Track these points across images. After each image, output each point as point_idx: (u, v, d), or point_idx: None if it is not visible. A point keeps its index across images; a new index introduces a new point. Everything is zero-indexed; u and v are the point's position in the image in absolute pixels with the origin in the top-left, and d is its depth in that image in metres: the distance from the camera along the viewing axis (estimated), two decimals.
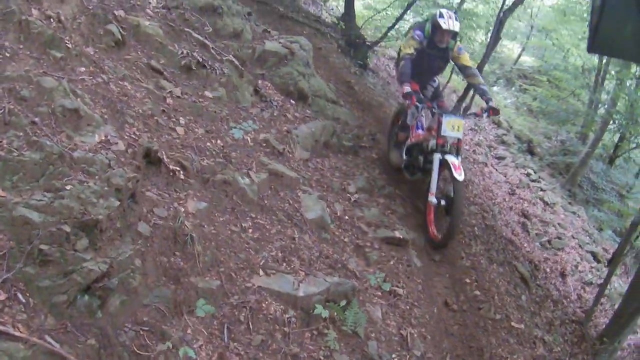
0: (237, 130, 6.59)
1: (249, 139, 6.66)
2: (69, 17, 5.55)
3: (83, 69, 5.30)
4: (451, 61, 7.99)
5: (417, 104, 7.30)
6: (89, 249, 3.59)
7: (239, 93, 7.43)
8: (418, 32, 7.62)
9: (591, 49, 1.75)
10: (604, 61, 16.75)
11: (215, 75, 7.24)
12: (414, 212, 7.85)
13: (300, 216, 6.08)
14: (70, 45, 5.24)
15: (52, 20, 5.22)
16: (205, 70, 7.14)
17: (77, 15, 5.69)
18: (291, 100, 8.40)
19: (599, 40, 1.71)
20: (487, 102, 7.42)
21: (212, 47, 7.67)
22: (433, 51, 7.72)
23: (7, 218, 3.37)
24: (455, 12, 7.85)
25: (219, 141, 6.22)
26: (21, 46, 4.74)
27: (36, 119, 4.10)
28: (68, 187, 3.73)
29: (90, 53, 5.61)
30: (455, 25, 7.39)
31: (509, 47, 27.89)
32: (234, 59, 7.80)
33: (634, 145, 16.40)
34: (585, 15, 19.21)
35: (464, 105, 13.26)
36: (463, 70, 7.86)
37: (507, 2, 12.96)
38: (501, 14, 12.52)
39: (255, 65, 8.53)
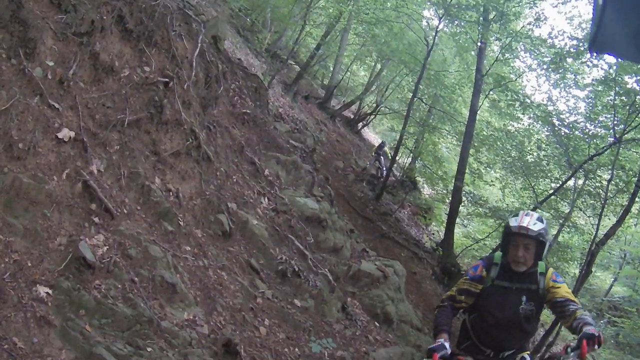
0: (315, 345, 6.52)
1: (325, 353, 6.50)
2: (187, 196, 5.91)
3: (188, 248, 5.54)
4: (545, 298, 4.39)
5: None
6: None
7: (326, 307, 7.40)
8: (478, 263, 4.55)
9: (592, 47, 1.75)
10: None
11: (308, 285, 7.29)
12: None
13: None
14: (182, 223, 5.56)
15: (171, 193, 5.58)
16: (299, 279, 7.23)
17: (193, 196, 6.05)
18: (376, 323, 8.28)
19: (601, 40, 1.71)
20: (579, 332, 3.80)
21: (311, 258, 7.83)
22: (510, 284, 4.38)
23: (85, 349, 3.48)
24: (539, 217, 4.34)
25: (296, 349, 6.12)
26: (139, 208, 5.05)
27: (136, 279, 4.28)
28: (149, 349, 3.80)
29: (198, 235, 5.87)
30: (532, 223, 4.15)
31: (601, 278, 27.19)
32: (328, 274, 7.89)
33: None
34: None
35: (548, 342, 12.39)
36: (559, 306, 4.22)
37: (599, 234, 12.86)
38: (593, 247, 12.33)
39: (348, 282, 8.61)
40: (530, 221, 4.17)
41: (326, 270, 7.97)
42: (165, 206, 5.34)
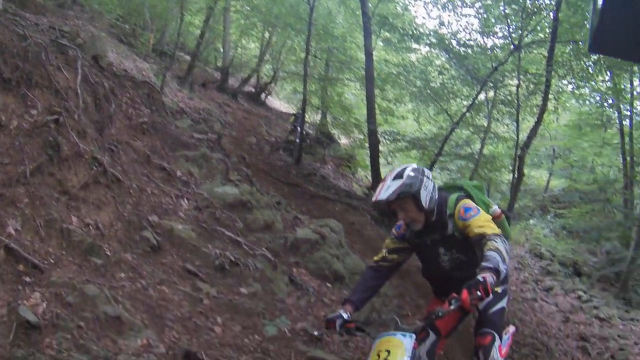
0: (270, 327, 6.72)
1: (286, 330, 6.81)
2: (106, 224, 6.14)
3: (122, 275, 5.76)
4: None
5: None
6: None
7: (274, 285, 7.72)
8: (400, 222, 4.54)
9: (592, 48, 1.91)
10: (628, 160, 18.04)
11: (249, 271, 7.60)
12: None
13: None
14: (109, 253, 5.78)
15: (90, 227, 5.81)
16: (238, 268, 7.51)
17: (113, 222, 6.28)
18: (327, 284, 8.70)
19: (600, 40, 1.80)
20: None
21: (245, 243, 8.14)
22: (423, 239, 4.47)
23: None
24: (413, 167, 4.23)
25: (256, 336, 6.40)
26: (64, 252, 5.28)
27: (82, 324, 4.50)
28: None
29: (128, 259, 6.10)
30: (385, 188, 4.11)
31: (536, 177, 29.28)
32: (266, 252, 8.23)
33: None
34: (598, 122, 21.17)
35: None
36: (477, 246, 4.10)
37: (521, 138, 13.84)
38: (518, 152, 13.30)
39: (289, 254, 8.99)
40: (384, 185, 4.10)
41: (263, 249, 8.31)
42: (89, 242, 5.55)
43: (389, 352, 3.58)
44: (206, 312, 6.31)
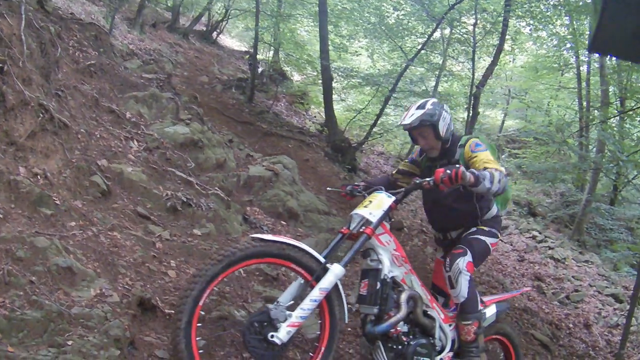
0: None
1: (241, 270, 6.83)
2: (55, 172, 6.12)
3: (73, 223, 5.77)
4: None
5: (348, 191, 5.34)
6: None
7: (228, 225, 7.83)
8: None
9: (592, 48, 1.87)
10: (584, 105, 18.69)
11: (202, 211, 7.68)
12: None
13: (301, 337, 6.24)
14: (58, 202, 5.77)
15: (39, 177, 5.79)
16: (191, 209, 7.59)
17: (62, 170, 6.27)
18: (282, 222, 8.89)
19: (600, 40, 1.81)
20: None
21: (197, 183, 8.20)
22: (433, 164, 5.10)
23: None
24: (434, 100, 5.02)
25: None
26: (12, 206, 5.27)
27: (33, 279, 4.52)
28: (70, 343, 4.08)
29: (78, 206, 6.11)
30: (410, 115, 4.84)
31: (491, 116, 30.03)
32: (219, 191, 8.31)
33: (632, 176, 17.05)
34: (555, 65, 21.68)
35: None
36: None
37: (477, 77, 14.10)
38: (473, 90, 13.60)
39: (242, 192, 9.13)
40: (409, 114, 4.86)
41: (216, 188, 8.37)
42: (37, 192, 5.52)
43: (371, 201, 4.63)
44: (159, 256, 6.37)
